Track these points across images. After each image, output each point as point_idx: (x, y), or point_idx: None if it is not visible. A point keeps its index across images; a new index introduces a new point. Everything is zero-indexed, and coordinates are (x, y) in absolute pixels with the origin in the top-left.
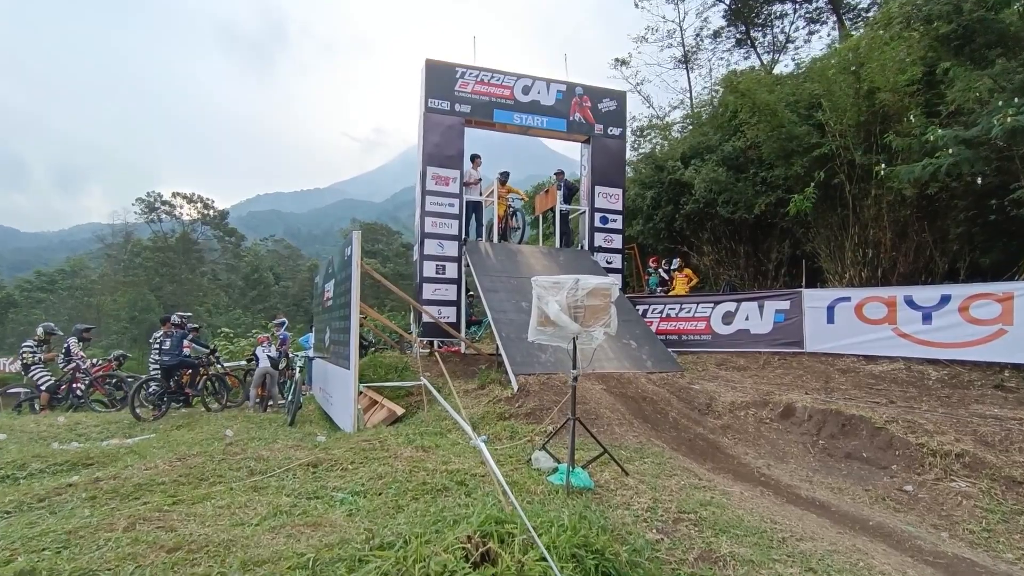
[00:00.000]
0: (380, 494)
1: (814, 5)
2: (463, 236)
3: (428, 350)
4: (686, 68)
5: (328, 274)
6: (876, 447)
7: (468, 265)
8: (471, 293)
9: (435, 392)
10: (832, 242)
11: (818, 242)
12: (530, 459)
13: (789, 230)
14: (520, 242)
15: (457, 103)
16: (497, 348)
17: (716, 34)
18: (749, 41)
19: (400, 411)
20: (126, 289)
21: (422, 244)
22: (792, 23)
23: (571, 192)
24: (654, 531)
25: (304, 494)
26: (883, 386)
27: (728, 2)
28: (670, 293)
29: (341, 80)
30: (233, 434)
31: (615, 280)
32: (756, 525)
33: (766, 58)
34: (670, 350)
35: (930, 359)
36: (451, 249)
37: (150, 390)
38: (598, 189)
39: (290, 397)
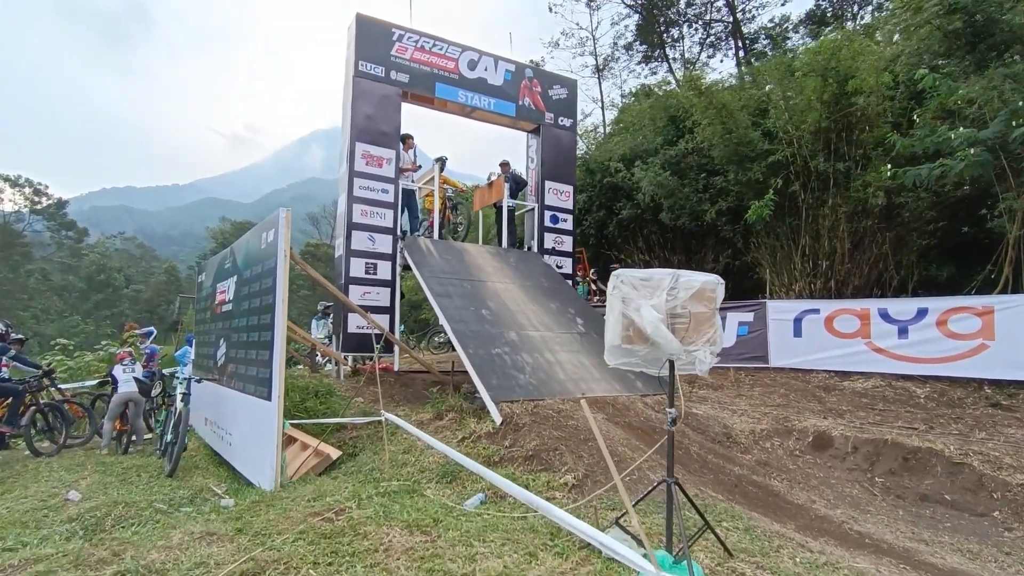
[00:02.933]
0: None
1: (709, 32)
2: (398, 230)
3: (349, 366)
4: (598, 77)
5: (224, 269)
6: (960, 487)
7: (404, 265)
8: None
9: (430, 439)
10: (778, 252)
11: (762, 252)
12: (592, 542)
13: (729, 240)
14: (463, 239)
15: (393, 70)
16: (452, 365)
17: (628, 47)
18: (664, 56)
19: (336, 454)
20: None
21: (349, 237)
22: (690, 47)
23: (519, 186)
24: None
25: None
26: (881, 405)
27: (638, 18)
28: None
29: (208, 71)
30: (81, 497)
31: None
32: None
33: (667, 76)
34: None
35: (907, 375)
36: (384, 244)
37: None
38: (548, 184)
39: (169, 436)
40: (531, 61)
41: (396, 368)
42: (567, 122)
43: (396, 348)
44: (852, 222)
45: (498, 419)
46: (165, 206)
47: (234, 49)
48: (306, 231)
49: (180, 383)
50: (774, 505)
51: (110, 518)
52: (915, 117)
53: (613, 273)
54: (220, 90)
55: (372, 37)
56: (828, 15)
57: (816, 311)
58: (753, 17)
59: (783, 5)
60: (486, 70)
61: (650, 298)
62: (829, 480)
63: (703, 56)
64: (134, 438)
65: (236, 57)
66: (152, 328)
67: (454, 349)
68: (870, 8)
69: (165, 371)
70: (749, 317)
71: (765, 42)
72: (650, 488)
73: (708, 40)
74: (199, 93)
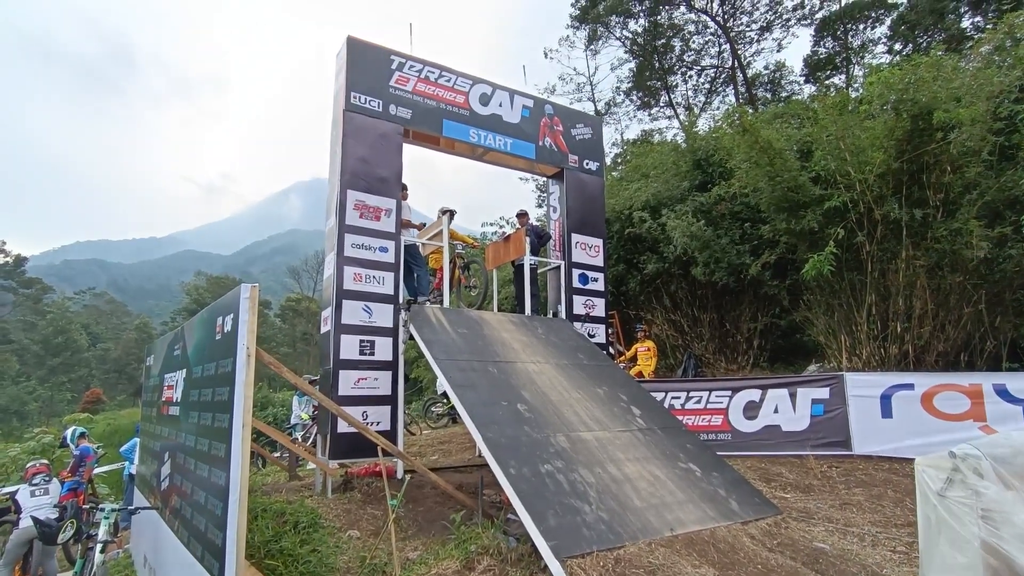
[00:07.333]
0: None
1: (707, 79)
2: (400, 297)
3: (343, 475)
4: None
5: (175, 358)
6: None
7: (409, 340)
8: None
9: None
10: (836, 312)
11: (815, 312)
12: None
13: (772, 296)
14: (479, 306)
15: (393, 104)
16: (481, 480)
17: (628, 92)
18: (668, 102)
19: None
20: None
21: (338, 308)
22: (685, 93)
23: (541, 240)
24: None
25: None
26: None
27: (636, 63)
28: (631, 372)
29: (186, 118)
30: None
31: None
32: None
33: (669, 123)
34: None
35: None
36: (383, 316)
37: None
38: (575, 238)
39: None
40: (524, 105)
41: (400, 474)
42: (593, 165)
43: (400, 445)
44: (934, 277)
45: None
46: (140, 258)
47: (213, 97)
48: (286, 284)
49: (106, 518)
50: None
51: None
52: None
53: (951, 452)
54: (197, 139)
55: (367, 64)
56: (823, 61)
57: (909, 386)
58: (749, 63)
59: (779, 52)
60: (500, 105)
61: None
62: None
63: (701, 101)
64: None
65: (213, 105)
66: (81, 428)
67: (455, 421)
68: (881, 49)
69: (98, 469)
70: (824, 393)
71: (765, 86)
72: None
73: (705, 86)
74: (177, 142)
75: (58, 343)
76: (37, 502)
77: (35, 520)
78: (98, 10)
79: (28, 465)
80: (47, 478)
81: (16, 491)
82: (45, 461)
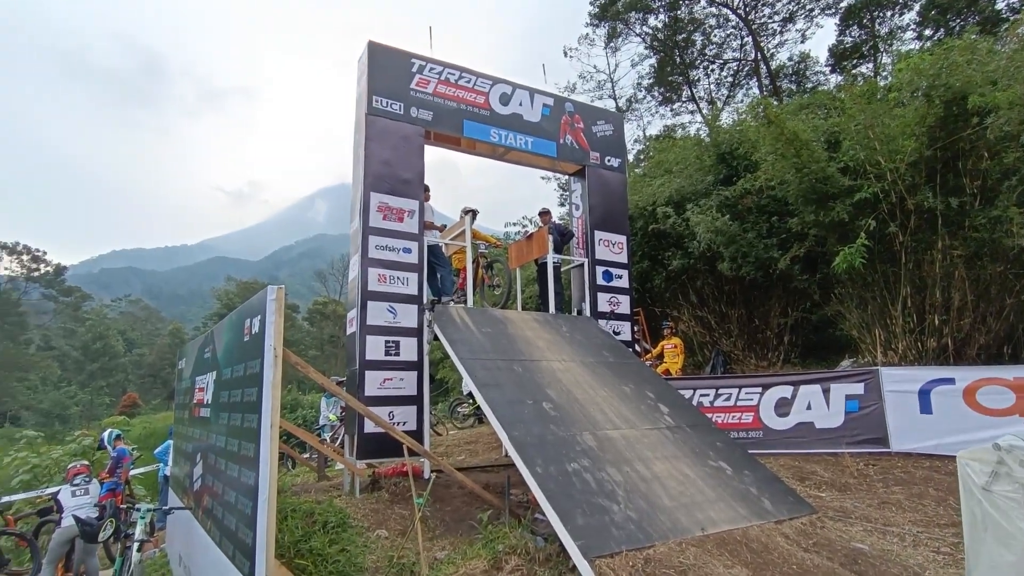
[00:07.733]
0: None
1: (730, 72)
2: (425, 298)
3: (371, 475)
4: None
5: (204, 360)
6: None
7: (434, 340)
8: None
9: None
10: (870, 305)
11: (847, 306)
12: None
13: (802, 290)
14: (503, 305)
15: (415, 107)
16: (508, 480)
17: (650, 88)
18: (691, 96)
19: None
20: None
21: (363, 309)
22: (708, 88)
23: (564, 238)
24: None
25: None
26: None
27: (656, 59)
28: (658, 369)
29: (216, 127)
30: None
31: None
32: None
33: (692, 117)
34: None
35: None
36: (407, 317)
37: None
38: (598, 235)
39: None
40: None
41: (427, 473)
42: (615, 162)
43: (426, 445)
44: (973, 268)
45: None
46: (174, 265)
47: (242, 106)
48: (313, 288)
49: (142, 518)
50: None
51: None
52: None
53: (996, 444)
54: (226, 148)
55: (388, 68)
56: (849, 50)
57: (950, 381)
58: (772, 55)
59: (803, 42)
60: (520, 105)
61: None
62: None
63: (724, 95)
64: None
65: (242, 114)
66: (115, 430)
67: (482, 422)
68: (910, 35)
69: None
70: (859, 389)
71: (790, 78)
72: None
73: (728, 80)
74: (207, 151)
75: (96, 349)
76: (78, 502)
77: (76, 519)
78: (131, 26)
79: (69, 466)
80: (87, 479)
81: (58, 492)
82: (86, 462)
